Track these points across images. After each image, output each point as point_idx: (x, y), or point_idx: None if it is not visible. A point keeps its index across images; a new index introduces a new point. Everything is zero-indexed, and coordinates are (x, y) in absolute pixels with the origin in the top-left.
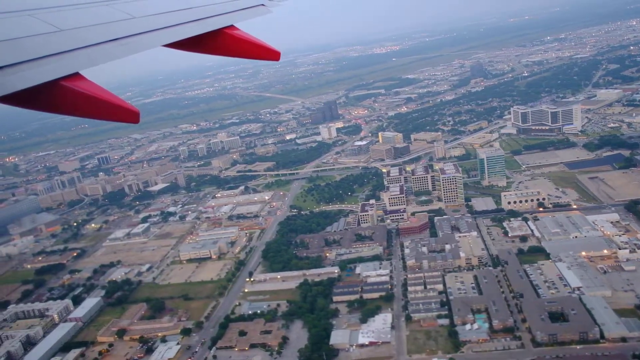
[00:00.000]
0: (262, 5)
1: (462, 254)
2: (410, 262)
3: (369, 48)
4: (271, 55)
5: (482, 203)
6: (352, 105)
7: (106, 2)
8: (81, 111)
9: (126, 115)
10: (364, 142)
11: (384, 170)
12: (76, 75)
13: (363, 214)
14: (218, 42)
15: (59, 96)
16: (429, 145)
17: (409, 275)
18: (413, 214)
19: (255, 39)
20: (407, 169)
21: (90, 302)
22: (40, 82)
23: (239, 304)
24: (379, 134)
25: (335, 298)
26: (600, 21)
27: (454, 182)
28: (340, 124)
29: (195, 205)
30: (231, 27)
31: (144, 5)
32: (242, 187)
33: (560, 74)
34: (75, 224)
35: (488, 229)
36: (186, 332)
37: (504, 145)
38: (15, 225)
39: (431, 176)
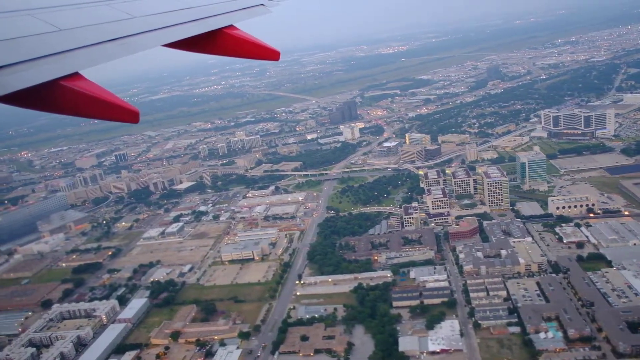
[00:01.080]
0: (262, 5)
1: (521, 260)
2: (467, 268)
3: (375, 48)
4: (271, 55)
5: (528, 207)
6: (369, 106)
7: (106, 1)
8: (81, 111)
9: (126, 115)
10: (392, 144)
11: (421, 172)
12: (76, 75)
13: (407, 216)
14: (218, 42)
15: (59, 96)
16: (459, 148)
17: (469, 281)
18: (457, 217)
19: (254, 38)
20: (447, 171)
21: (138, 303)
22: (40, 82)
23: (294, 308)
24: (406, 135)
25: (395, 303)
26: (609, 25)
27: (500, 186)
28: (360, 124)
29: (226, 205)
30: (231, 27)
31: (144, 5)
32: (272, 187)
33: (579, 77)
34: (104, 222)
35: (540, 234)
36: (245, 335)
37: (537, 149)
38: (44, 222)
39: (473, 179)
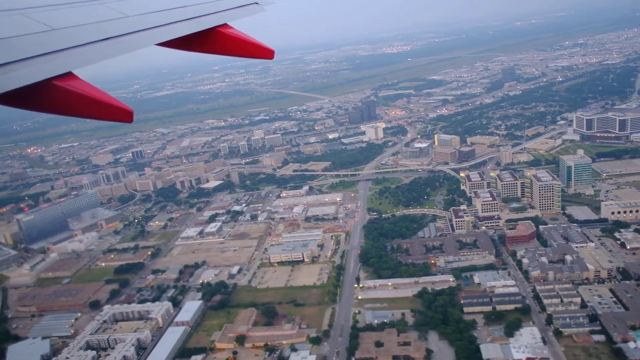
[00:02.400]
0: (256, 3)
1: (589, 266)
2: (534, 273)
3: (377, 47)
4: (265, 53)
5: (580, 212)
6: (385, 106)
7: (99, 1)
8: (74, 111)
9: (120, 114)
10: (423, 145)
11: (462, 174)
12: (69, 75)
13: (458, 219)
14: (212, 40)
15: (52, 96)
16: (492, 150)
17: (539, 287)
18: (507, 220)
19: (249, 37)
20: (492, 174)
21: (193, 306)
22: (33, 82)
23: (359, 312)
24: (435, 136)
25: (466, 309)
26: (614, 27)
27: (551, 190)
28: (382, 124)
29: (261, 204)
30: (225, 25)
31: (137, 4)
32: (306, 188)
33: (597, 80)
34: (135, 220)
35: (599, 239)
36: (316, 341)
37: (572, 152)
38: (74, 220)
39: (521, 183)
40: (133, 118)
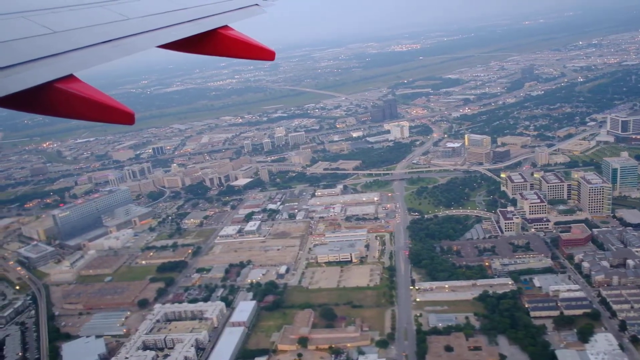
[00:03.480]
0: (256, 5)
1: None
2: (598, 278)
3: (386, 45)
4: (266, 55)
5: (631, 215)
6: (404, 104)
7: (100, 3)
8: (76, 113)
9: (121, 116)
10: (456, 145)
11: (503, 175)
12: (70, 77)
13: (507, 221)
14: (212, 42)
15: (53, 98)
16: (525, 150)
17: (605, 292)
18: (556, 223)
19: (249, 39)
20: (535, 175)
21: (247, 306)
22: (34, 85)
23: (421, 315)
24: (465, 136)
25: (532, 313)
26: (625, 28)
27: (602, 193)
28: (405, 123)
29: (296, 203)
30: (225, 27)
31: (138, 7)
32: (340, 187)
33: (619, 80)
34: (169, 218)
35: None
36: (383, 344)
37: (608, 153)
38: (108, 216)
39: (568, 185)
40: (134, 120)
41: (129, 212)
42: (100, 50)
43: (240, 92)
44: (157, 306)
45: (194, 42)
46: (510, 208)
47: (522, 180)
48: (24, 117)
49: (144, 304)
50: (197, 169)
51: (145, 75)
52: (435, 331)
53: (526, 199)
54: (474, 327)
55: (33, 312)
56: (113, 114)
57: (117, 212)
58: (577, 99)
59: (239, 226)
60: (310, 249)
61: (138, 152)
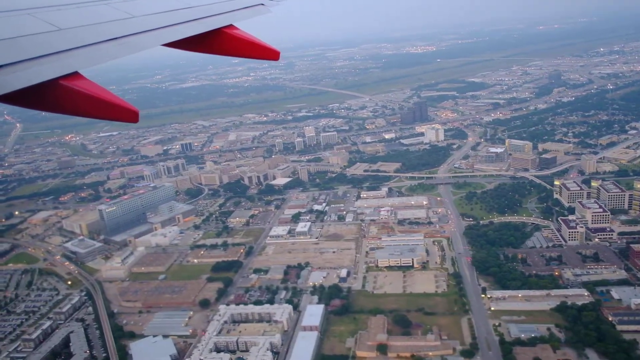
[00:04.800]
0: (262, 4)
1: None
2: None
3: (400, 46)
4: (270, 54)
5: None
6: (432, 107)
7: (105, 1)
8: (81, 110)
9: (125, 114)
10: (499, 150)
11: (557, 182)
12: (75, 75)
13: (571, 230)
14: (217, 41)
15: (58, 95)
16: (570, 158)
17: None
18: (620, 233)
19: (254, 38)
20: (593, 184)
21: (317, 310)
22: (40, 81)
23: (499, 325)
24: (506, 141)
25: (619, 327)
26: None
27: None
28: (438, 126)
29: (342, 205)
30: (230, 26)
31: (143, 5)
32: (385, 189)
33: None
34: (214, 216)
35: None
36: (468, 354)
37: None
38: (152, 213)
39: (629, 194)
40: (139, 118)
41: (172, 209)
42: (105, 48)
43: (259, 90)
44: (222, 307)
45: (199, 41)
46: (571, 217)
47: (578, 188)
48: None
49: (205, 304)
50: (234, 167)
51: (159, 71)
52: (519, 342)
53: (588, 208)
54: (560, 340)
55: (90, 308)
56: (117, 112)
57: (161, 209)
58: (611, 106)
59: (289, 227)
60: (367, 252)
61: (166, 148)
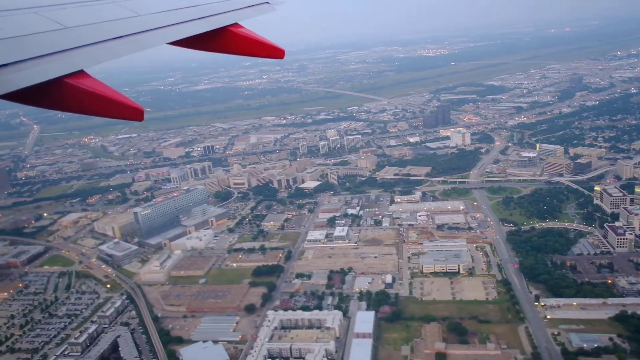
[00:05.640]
0: (267, 3)
1: None
2: None
3: (411, 49)
4: (276, 53)
5: None
6: (454, 110)
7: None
8: (86, 108)
9: (130, 113)
10: (531, 154)
11: (598, 188)
12: (80, 73)
13: (619, 237)
14: (222, 40)
15: (64, 94)
16: (604, 162)
17: None
18: None
19: (260, 37)
20: (638, 190)
21: (368, 316)
22: (45, 80)
23: (559, 334)
24: (537, 145)
25: None
26: None
27: None
28: (463, 129)
29: (376, 209)
30: (235, 25)
31: (149, 3)
32: (419, 193)
33: None
34: (247, 219)
35: None
36: None
37: None
38: (185, 216)
39: None
40: (144, 116)
41: (205, 212)
42: (110, 46)
43: (274, 93)
44: (271, 312)
45: (204, 40)
46: (617, 223)
47: (621, 194)
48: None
49: (251, 309)
50: (261, 170)
51: (170, 73)
52: (582, 352)
53: (635, 215)
54: (625, 350)
55: (133, 312)
56: (122, 110)
57: (194, 212)
58: (639, 110)
59: (325, 231)
60: (408, 257)
61: (187, 150)
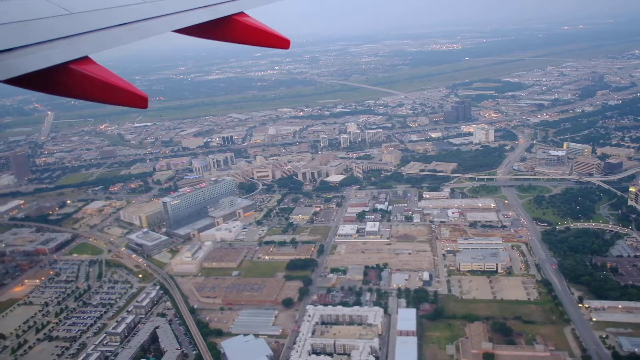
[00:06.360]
0: None
1: None
2: None
3: (423, 44)
4: (281, 43)
5: None
6: (473, 106)
7: None
8: (90, 95)
9: (135, 100)
10: (560, 153)
11: (633, 189)
12: (85, 59)
13: None
14: (228, 28)
15: (68, 79)
16: (634, 163)
17: None
18: None
19: (265, 26)
20: None
21: (409, 314)
22: (49, 65)
23: (607, 337)
24: (564, 144)
25: None
26: None
27: None
28: (486, 126)
29: (405, 204)
30: (241, 14)
31: None
32: (447, 190)
33: None
34: (274, 211)
35: None
36: None
37: None
38: (212, 207)
39: None
40: (148, 104)
41: (233, 204)
42: (116, 33)
43: (288, 84)
44: (310, 307)
45: (210, 28)
46: None
47: None
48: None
49: (289, 304)
50: (285, 162)
51: (181, 62)
52: (634, 357)
53: None
54: None
55: (168, 303)
56: (127, 97)
57: (222, 203)
58: None
59: (356, 226)
60: (444, 255)
61: (206, 140)
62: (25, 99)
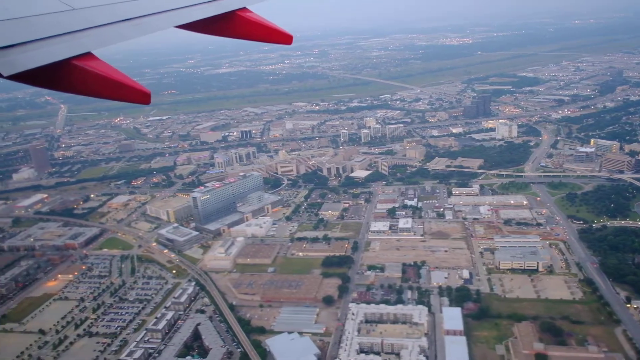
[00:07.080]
0: None
1: None
2: None
3: (433, 38)
4: (283, 38)
5: None
6: (492, 101)
7: None
8: (92, 90)
9: (137, 95)
10: (589, 149)
11: None
12: (88, 55)
13: None
14: (231, 24)
15: (71, 75)
16: None
17: None
18: None
19: (268, 22)
20: None
21: (454, 313)
22: (52, 61)
23: None
24: (591, 140)
25: None
26: None
27: None
28: (507, 122)
29: (435, 201)
30: (244, 9)
31: None
32: (477, 186)
33: None
34: (303, 207)
35: None
36: None
37: None
38: (241, 202)
39: None
40: (150, 100)
41: (261, 199)
42: (118, 28)
43: (300, 78)
44: (353, 305)
45: (212, 24)
46: None
47: None
48: None
49: (329, 301)
50: (309, 157)
51: (190, 55)
52: None
53: None
54: None
55: (205, 299)
56: (129, 93)
57: (250, 198)
58: None
59: (388, 222)
60: (481, 252)
61: (224, 134)
62: (37, 92)
